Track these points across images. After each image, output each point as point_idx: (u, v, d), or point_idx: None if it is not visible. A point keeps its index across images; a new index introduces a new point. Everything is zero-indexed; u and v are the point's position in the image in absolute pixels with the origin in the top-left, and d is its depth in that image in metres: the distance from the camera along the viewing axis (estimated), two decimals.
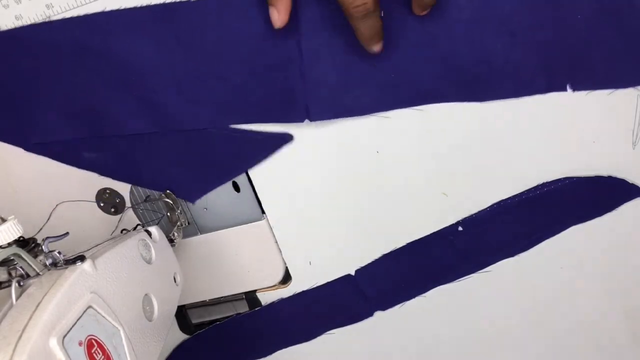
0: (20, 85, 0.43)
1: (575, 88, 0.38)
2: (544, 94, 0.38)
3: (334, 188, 0.44)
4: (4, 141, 0.46)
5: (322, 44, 0.38)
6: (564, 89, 0.38)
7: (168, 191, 0.46)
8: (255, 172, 0.44)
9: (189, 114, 0.42)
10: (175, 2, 0.38)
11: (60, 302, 0.29)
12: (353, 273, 0.48)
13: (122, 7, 0.39)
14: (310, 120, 0.41)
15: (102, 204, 0.48)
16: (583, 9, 0.35)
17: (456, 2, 0.36)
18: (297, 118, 0.41)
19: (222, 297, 0.52)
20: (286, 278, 0.49)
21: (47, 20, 0.39)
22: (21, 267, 0.32)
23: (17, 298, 0.30)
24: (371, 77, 0.39)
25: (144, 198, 0.47)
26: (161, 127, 0.43)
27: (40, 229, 0.44)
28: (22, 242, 0.33)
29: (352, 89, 0.39)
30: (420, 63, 0.38)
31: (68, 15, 0.39)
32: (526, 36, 0.37)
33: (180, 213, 0.47)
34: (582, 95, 0.38)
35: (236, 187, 0.46)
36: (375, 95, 0.40)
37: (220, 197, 0.47)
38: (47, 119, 0.44)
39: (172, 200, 0.47)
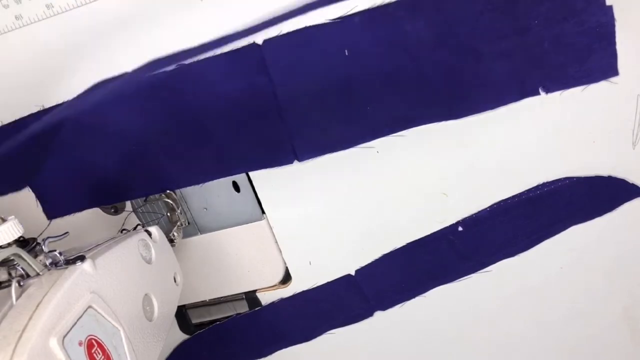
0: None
1: (547, 90, 0.38)
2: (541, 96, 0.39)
3: (333, 188, 0.44)
4: None
5: (295, 90, 0.40)
6: (537, 93, 0.38)
7: (168, 191, 0.46)
8: (255, 172, 0.44)
9: (185, 173, 0.44)
10: (157, 73, 0.40)
11: (60, 302, 0.29)
12: (353, 273, 0.48)
13: (110, 78, 0.40)
14: (299, 161, 0.42)
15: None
16: (539, 14, 0.36)
17: (417, 26, 0.37)
18: (286, 161, 0.42)
19: (222, 297, 0.52)
20: (286, 278, 0.49)
21: (40, 108, 0.42)
22: (21, 267, 0.32)
23: (17, 298, 0.30)
24: (348, 112, 0.40)
25: (144, 198, 0.47)
26: (161, 189, 0.45)
27: (43, 232, 0.44)
28: (22, 242, 0.33)
29: (332, 126, 0.41)
30: (393, 91, 0.39)
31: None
32: (490, 49, 0.37)
33: (180, 213, 0.47)
34: (582, 95, 0.38)
35: (236, 187, 0.46)
36: (355, 128, 0.41)
37: (220, 197, 0.47)
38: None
39: (172, 200, 0.46)
